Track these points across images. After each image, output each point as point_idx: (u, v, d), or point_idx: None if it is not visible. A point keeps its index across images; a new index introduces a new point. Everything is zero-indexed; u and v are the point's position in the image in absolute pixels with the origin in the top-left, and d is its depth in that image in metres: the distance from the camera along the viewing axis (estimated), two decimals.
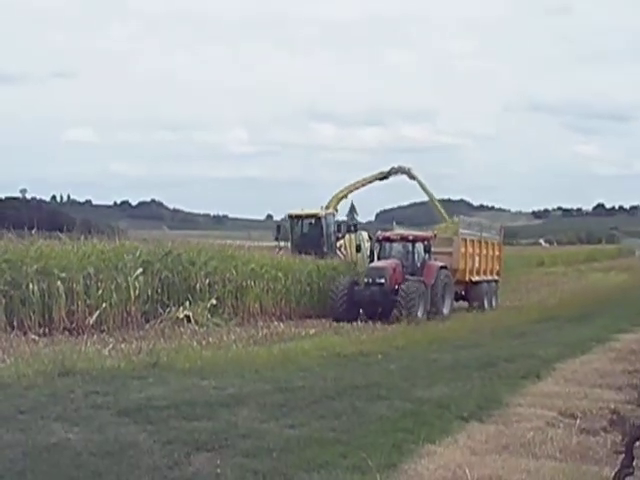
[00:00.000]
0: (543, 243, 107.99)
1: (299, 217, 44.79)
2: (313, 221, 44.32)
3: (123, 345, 23.77)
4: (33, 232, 31.86)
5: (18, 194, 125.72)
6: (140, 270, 30.15)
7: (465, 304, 41.77)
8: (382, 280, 34.92)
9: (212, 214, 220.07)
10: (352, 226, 45.27)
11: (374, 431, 12.78)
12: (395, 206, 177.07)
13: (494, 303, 42.87)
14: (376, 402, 15.28)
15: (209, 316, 30.80)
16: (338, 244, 44.08)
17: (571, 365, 20.12)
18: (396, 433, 12.49)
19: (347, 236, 44.09)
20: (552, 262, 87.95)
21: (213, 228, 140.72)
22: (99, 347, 23.13)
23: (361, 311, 35.83)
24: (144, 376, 17.91)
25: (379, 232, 41.50)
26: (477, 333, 28.04)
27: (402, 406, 14.87)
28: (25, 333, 25.63)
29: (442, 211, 47.77)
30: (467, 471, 10.06)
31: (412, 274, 36.23)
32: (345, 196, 47.37)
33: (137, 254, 31.15)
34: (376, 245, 39.18)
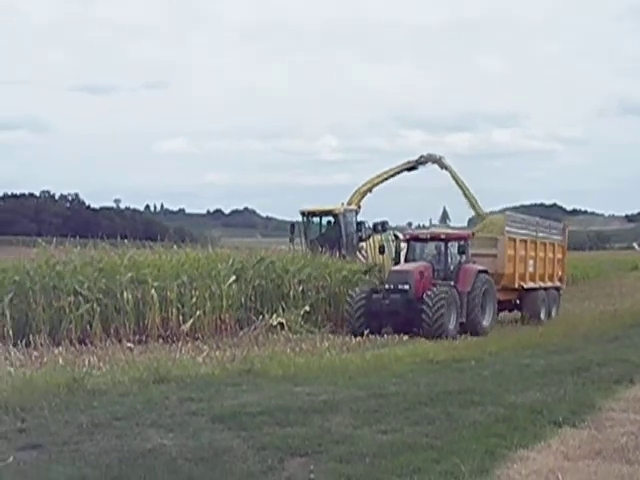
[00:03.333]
0: (637, 247, 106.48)
1: (313, 214, 40.39)
2: (330, 219, 39.98)
3: (217, 352, 23.89)
4: (126, 241, 32.39)
5: (112, 204, 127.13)
6: (233, 278, 30.26)
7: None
8: (406, 286, 30.23)
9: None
10: (380, 225, 39.80)
11: (467, 437, 12.78)
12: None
13: (553, 313, 38.07)
14: (469, 408, 15.25)
15: (302, 323, 30.80)
16: (360, 245, 39.48)
17: None
18: (489, 438, 12.48)
19: (372, 237, 39.06)
20: None
21: None
22: (193, 354, 23.29)
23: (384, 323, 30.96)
24: (238, 383, 18.07)
25: (408, 230, 38.72)
26: (570, 338, 27.65)
27: (495, 411, 14.84)
28: (120, 341, 25.90)
29: (478, 205, 42.66)
30: (560, 476, 10.02)
31: (445, 279, 31.81)
32: (369, 190, 42.44)
33: (230, 262, 31.31)
34: (403, 246, 34.78)
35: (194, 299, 28.99)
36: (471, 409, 15.13)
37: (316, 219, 40.15)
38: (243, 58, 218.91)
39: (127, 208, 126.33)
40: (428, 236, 33.84)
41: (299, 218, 40.61)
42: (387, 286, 30.77)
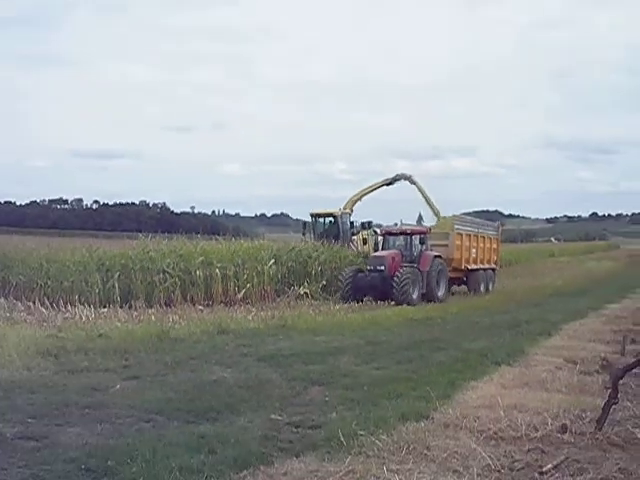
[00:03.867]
0: (554, 240, 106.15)
1: (319, 215, 39.51)
2: (331, 219, 39.07)
3: (261, 313, 23.82)
4: (199, 236, 32.51)
5: (189, 209, 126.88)
6: (272, 261, 30.18)
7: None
8: (382, 267, 29.77)
9: None
10: (366, 224, 38.90)
11: (435, 372, 12.78)
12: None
13: (490, 287, 36.66)
14: (437, 352, 15.25)
15: (321, 293, 30.77)
16: (353, 239, 38.23)
17: (573, 326, 19.77)
18: (450, 373, 12.45)
19: (360, 233, 38.06)
20: (560, 254, 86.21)
21: None
22: (245, 314, 23.22)
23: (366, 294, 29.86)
24: (275, 334, 18.11)
25: (382, 227, 37.16)
26: (507, 304, 27.54)
27: (455, 354, 14.82)
28: (194, 304, 25.87)
29: (437, 210, 40.00)
30: (499, 399, 9.98)
31: (411, 262, 30.77)
32: (359, 199, 40.77)
33: (270, 250, 31.30)
34: (380, 238, 34.24)
35: (245, 275, 28.94)
36: (438, 353, 15.12)
37: (321, 219, 39.67)
38: (281, 105, 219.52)
39: (199, 212, 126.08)
40: (398, 231, 33.25)
41: (309, 219, 40.39)
42: (368, 267, 30.43)
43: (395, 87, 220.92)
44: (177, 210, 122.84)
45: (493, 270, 38.09)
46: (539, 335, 17.65)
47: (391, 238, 32.88)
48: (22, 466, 7.40)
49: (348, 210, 39.47)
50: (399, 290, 28.58)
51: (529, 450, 8.14)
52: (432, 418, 9.28)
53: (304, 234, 38.83)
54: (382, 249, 32.45)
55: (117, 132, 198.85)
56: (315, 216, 39.64)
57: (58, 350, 14.39)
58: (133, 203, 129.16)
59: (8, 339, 15.02)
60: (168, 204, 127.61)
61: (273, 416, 9.59)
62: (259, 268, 29.67)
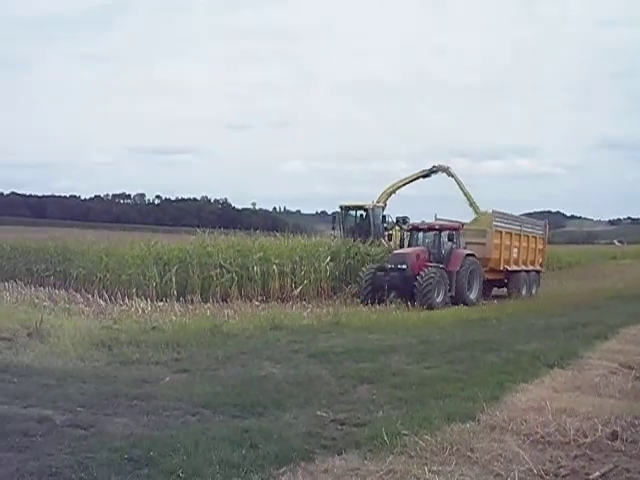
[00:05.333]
0: (617, 243, 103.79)
1: (349, 208, 36.35)
2: (362, 212, 35.96)
3: (317, 309, 23.83)
4: (258, 232, 32.58)
5: (250, 206, 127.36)
6: (329, 258, 30.23)
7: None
8: (404, 266, 27.28)
9: None
10: (402, 219, 35.43)
11: (485, 373, 12.61)
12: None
13: (534, 291, 34.14)
14: (488, 352, 15.00)
15: None
16: (387, 234, 34.50)
17: (631, 330, 19.28)
18: (500, 375, 12.26)
19: (394, 228, 35.01)
20: (622, 256, 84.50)
21: None
22: (300, 311, 23.28)
23: (392, 294, 27.24)
24: (329, 331, 18.08)
25: (407, 222, 34.23)
26: (564, 306, 26.96)
27: (506, 356, 14.55)
28: (250, 300, 25.99)
29: (477, 206, 37.46)
30: (548, 403, 9.80)
31: (439, 262, 28.35)
32: (394, 192, 38.05)
33: (328, 247, 31.25)
34: (406, 234, 31.59)
35: (302, 272, 29.04)
36: (490, 353, 14.88)
37: (352, 212, 36.55)
38: (340, 104, 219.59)
39: (260, 209, 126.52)
40: (425, 227, 30.55)
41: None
42: (389, 265, 27.95)
43: (455, 86, 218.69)
44: (238, 206, 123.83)
45: (538, 272, 35.67)
46: (595, 338, 17.29)
47: (418, 234, 30.59)
48: (68, 453, 7.50)
49: (381, 204, 36.96)
50: (421, 292, 26.36)
51: (576, 456, 7.96)
52: (478, 420, 9.15)
53: (333, 228, 36.65)
54: (408, 246, 30.20)
55: (179, 129, 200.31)
56: (345, 209, 36.73)
57: (111, 341, 14.63)
58: (195, 199, 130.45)
59: (65, 330, 15.32)
60: (230, 200, 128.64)
61: (319, 413, 9.57)
62: (316, 265, 29.73)
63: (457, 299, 27.78)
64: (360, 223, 35.76)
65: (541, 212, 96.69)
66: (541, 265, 36.32)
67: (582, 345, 15.98)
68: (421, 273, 26.79)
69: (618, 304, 27.80)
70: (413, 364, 13.61)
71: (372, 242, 33.51)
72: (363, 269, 28.84)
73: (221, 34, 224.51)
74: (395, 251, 29.93)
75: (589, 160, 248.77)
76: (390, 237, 33.33)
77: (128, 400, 9.98)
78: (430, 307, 25.68)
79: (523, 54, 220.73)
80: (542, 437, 8.55)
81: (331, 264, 30.19)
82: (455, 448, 7.93)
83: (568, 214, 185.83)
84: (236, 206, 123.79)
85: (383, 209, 36.64)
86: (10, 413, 8.92)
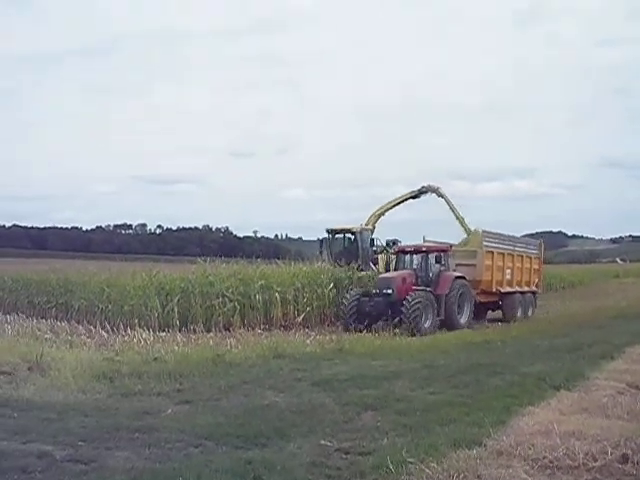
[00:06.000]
0: (619, 261, 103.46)
1: (336, 232, 35.35)
2: (350, 236, 34.81)
3: (320, 337, 23.77)
4: (259, 260, 32.55)
5: (252, 234, 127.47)
6: (332, 285, 30.09)
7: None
8: (389, 290, 26.34)
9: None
10: (392, 242, 34.61)
11: (490, 397, 12.45)
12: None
13: (530, 313, 32.99)
14: (493, 376, 14.84)
15: None
16: (374, 257, 34.02)
17: (637, 349, 19.04)
18: (506, 398, 12.11)
19: (384, 251, 34.07)
20: (625, 275, 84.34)
21: None
22: (303, 338, 23.21)
23: (380, 321, 26.40)
24: (332, 358, 17.92)
25: (397, 245, 33.23)
26: (568, 326, 26.77)
27: (511, 379, 14.39)
28: (253, 328, 25.98)
29: (467, 226, 35.81)
30: (556, 426, 9.65)
31: (427, 285, 27.25)
32: (382, 214, 36.63)
33: (330, 274, 31.02)
34: (393, 258, 30.72)
35: (305, 299, 28.97)
36: (494, 377, 14.73)
37: (339, 235, 35.54)
38: (342, 130, 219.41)
39: (262, 237, 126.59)
40: (412, 249, 29.45)
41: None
42: (374, 290, 27.11)
43: (452, 109, 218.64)
44: (240, 234, 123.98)
45: (533, 293, 34.56)
46: (601, 358, 17.12)
47: (405, 257, 29.41)
48: None
49: (370, 226, 35.96)
50: (408, 317, 25.33)
51: None
52: (485, 445, 9.00)
53: (320, 252, 35.50)
54: (395, 269, 29.16)
55: (179, 158, 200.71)
56: (332, 232, 35.72)
57: (113, 373, 14.54)
58: (196, 228, 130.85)
59: (66, 362, 15.26)
60: (231, 228, 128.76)
61: (323, 442, 9.45)
62: (319, 292, 29.64)
63: (447, 323, 27.04)
64: (348, 247, 34.85)
65: (542, 232, 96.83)
66: (537, 286, 35.28)
67: (588, 366, 15.81)
68: (407, 297, 25.88)
69: (622, 323, 27.63)
70: (417, 389, 13.48)
71: (359, 266, 32.67)
72: (346, 295, 28.13)
73: (220, 62, 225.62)
74: (380, 275, 29.09)
75: (590, 179, 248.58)
76: (376, 261, 32.74)
77: (130, 433, 9.87)
78: (418, 332, 24.93)
79: (522, 75, 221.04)
80: (550, 462, 8.40)
81: (334, 290, 30.06)
82: (462, 475, 7.79)
83: (570, 233, 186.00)
84: (238, 234, 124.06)
85: (372, 232, 35.80)
86: (9, 449, 8.83)
